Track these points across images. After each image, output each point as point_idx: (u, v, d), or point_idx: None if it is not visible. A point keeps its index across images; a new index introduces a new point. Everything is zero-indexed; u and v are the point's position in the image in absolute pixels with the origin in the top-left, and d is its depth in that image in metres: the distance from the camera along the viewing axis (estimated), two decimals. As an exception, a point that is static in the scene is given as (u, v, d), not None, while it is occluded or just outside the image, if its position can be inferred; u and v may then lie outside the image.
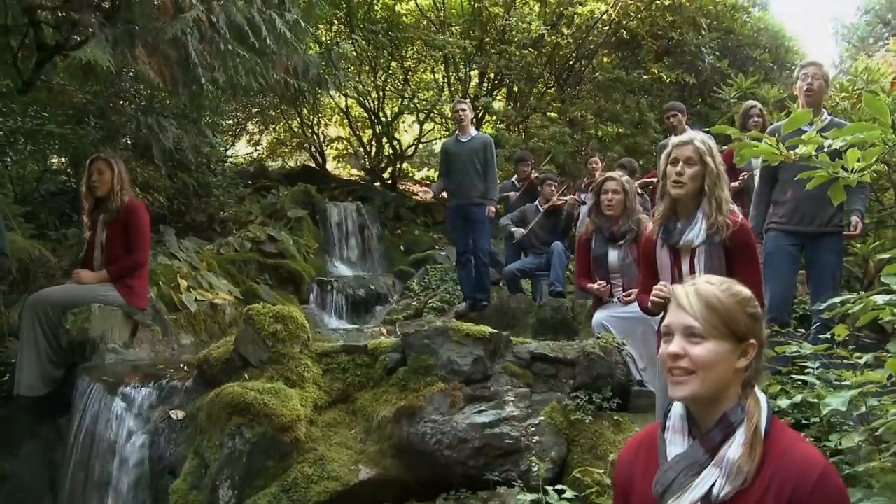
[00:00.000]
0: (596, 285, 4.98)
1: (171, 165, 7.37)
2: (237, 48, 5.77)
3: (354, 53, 14.36)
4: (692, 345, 1.78)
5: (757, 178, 5.33)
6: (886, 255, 2.68)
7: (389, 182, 15.03)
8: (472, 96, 13.71)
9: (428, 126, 15.32)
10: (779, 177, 4.93)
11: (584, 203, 9.13)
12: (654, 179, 7.99)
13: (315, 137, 15.47)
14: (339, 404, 4.19)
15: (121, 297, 5.13)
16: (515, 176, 9.38)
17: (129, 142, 7.06)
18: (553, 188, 7.99)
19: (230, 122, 14.51)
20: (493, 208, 7.98)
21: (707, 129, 6.75)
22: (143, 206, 5.32)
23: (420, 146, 16.33)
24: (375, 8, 13.68)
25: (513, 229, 8.08)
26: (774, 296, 4.88)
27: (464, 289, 8.35)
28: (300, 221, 10.99)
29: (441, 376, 4.03)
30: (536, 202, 8.26)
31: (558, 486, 3.31)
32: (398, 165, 15.57)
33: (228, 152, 15.22)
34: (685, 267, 3.38)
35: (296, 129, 14.99)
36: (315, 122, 15.16)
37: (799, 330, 5.68)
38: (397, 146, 15.39)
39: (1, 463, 5.25)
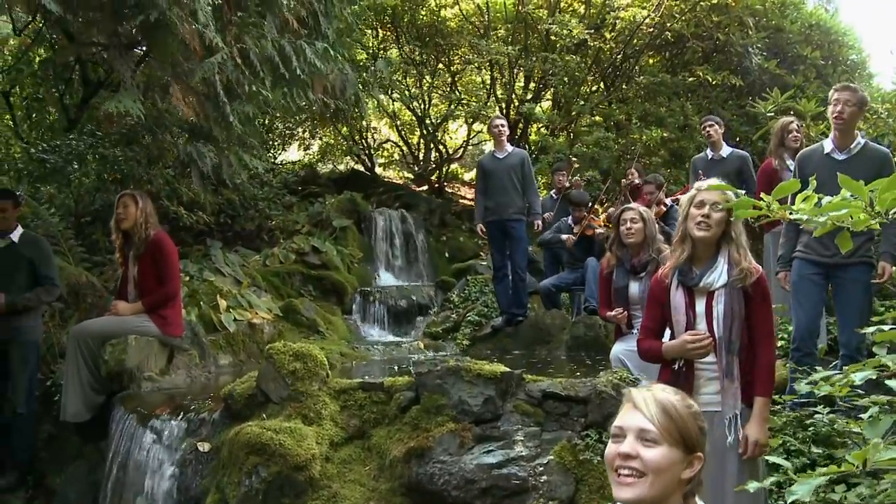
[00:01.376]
0: (613, 312, 5.02)
1: (213, 184, 7.62)
2: (265, 81, 5.95)
3: (400, 58, 14.57)
4: (645, 447, 1.82)
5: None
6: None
7: (437, 185, 15.16)
8: (517, 101, 13.76)
9: (477, 127, 15.38)
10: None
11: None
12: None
13: (363, 142, 15.69)
14: (355, 440, 4.34)
15: (156, 328, 5.39)
16: (553, 189, 9.41)
17: (172, 162, 7.32)
18: (582, 215, 7.94)
19: (280, 127, 14.89)
20: (539, 222, 8.07)
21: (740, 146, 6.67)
22: (168, 239, 5.57)
23: (470, 147, 16.45)
24: (420, 13, 13.79)
25: (563, 236, 8.03)
26: (799, 326, 4.83)
27: (500, 303, 8.45)
28: (345, 231, 11.20)
29: (452, 416, 4.14)
30: (570, 218, 8.28)
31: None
32: (446, 168, 15.69)
33: (280, 157, 15.62)
34: (700, 308, 3.37)
35: (344, 134, 15.23)
36: (363, 126, 15.37)
37: (827, 357, 5.63)
38: (444, 149, 15.51)
39: (52, 478, 5.61)
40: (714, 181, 3.38)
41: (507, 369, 4.36)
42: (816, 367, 4.84)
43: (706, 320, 3.30)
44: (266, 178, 11.31)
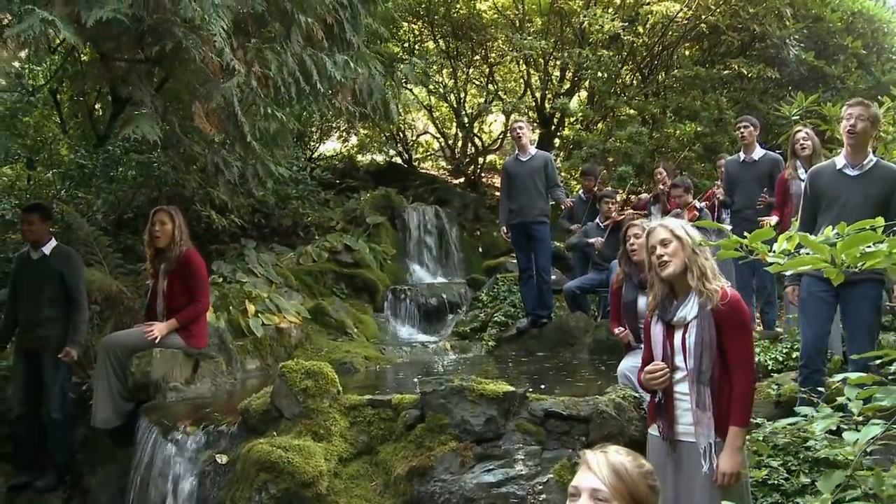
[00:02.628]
0: (617, 331, 5.11)
1: (242, 191, 7.84)
2: (288, 95, 6.11)
3: (436, 51, 14.64)
4: None
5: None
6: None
7: (473, 178, 15.24)
8: (552, 95, 13.73)
9: (515, 117, 15.36)
10: (818, 219, 4.85)
11: (648, 214, 9.13)
12: (714, 199, 7.89)
13: (400, 134, 15.82)
14: (363, 456, 4.50)
15: (181, 341, 5.63)
16: (582, 190, 9.44)
17: (202, 167, 7.54)
18: (610, 205, 8.02)
19: (318, 120, 15.07)
20: (568, 200, 8.38)
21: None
22: (197, 256, 5.77)
23: (508, 139, 16.45)
24: (456, 6, 13.81)
25: (592, 239, 8.07)
26: (806, 343, 4.84)
27: (526, 305, 8.55)
28: (378, 227, 11.37)
29: (454, 435, 4.28)
30: (597, 219, 8.32)
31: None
32: (483, 160, 15.75)
33: (320, 149, 15.83)
34: (676, 341, 3.45)
35: (382, 127, 15.37)
36: (399, 120, 15.48)
37: (844, 367, 5.62)
38: (480, 142, 15.56)
39: (88, 478, 5.91)
40: (653, 222, 3.48)
41: (511, 388, 4.47)
42: (824, 382, 4.89)
43: (682, 352, 3.37)
44: (301, 175, 11.51)
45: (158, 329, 5.54)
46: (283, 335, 7.36)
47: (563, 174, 12.38)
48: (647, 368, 3.45)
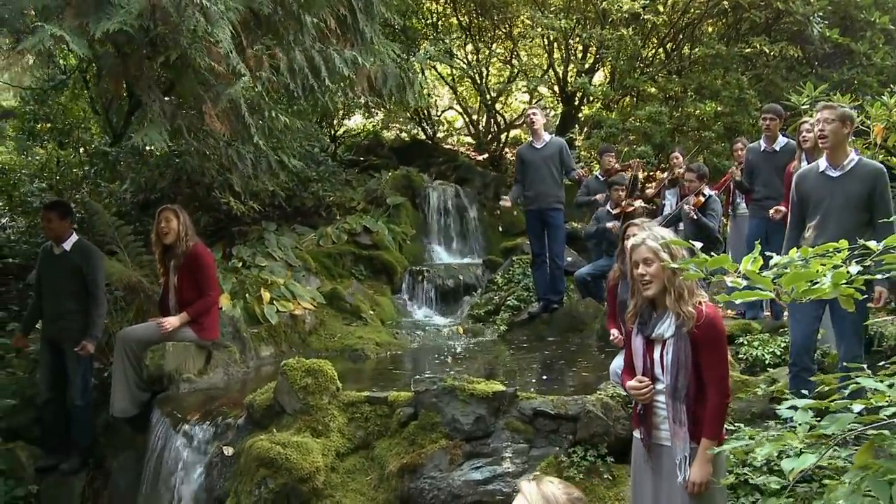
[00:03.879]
0: (612, 335, 5.23)
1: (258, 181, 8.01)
2: (297, 91, 6.26)
3: (458, 28, 14.64)
4: None
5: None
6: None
7: (497, 154, 15.28)
8: (573, 73, 13.69)
9: (542, 91, 15.33)
10: (806, 221, 4.92)
11: (662, 198, 9.16)
12: (731, 182, 7.91)
13: (424, 111, 15.88)
14: (360, 450, 4.73)
15: (193, 334, 5.88)
16: (599, 169, 9.46)
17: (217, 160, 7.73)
18: (620, 192, 8.05)
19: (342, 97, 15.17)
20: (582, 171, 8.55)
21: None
22: (205, 250, 6.01)
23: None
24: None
25: (608, 224, 8.07)
26: (794, 342, 4.94)
27: (538, 289, 8.68)
28: (398, 208, 11.52)
29: (445, 433, 4.48)
30: (608, 205, 8.37)
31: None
32: (506, 136, 15.78)
33: (346, 124, 15.95)
34: (655, 355, 3.58)
35: (403, 104, 15.43)
36: (422, 96, 15.53)
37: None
38: (503, 118, 15.58)
39: (110, 461, 6.22)
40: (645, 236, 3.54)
41: (502, 388, 4.64)
42: (811, 380, 4.98)
43: (660, 366, 3.50)
44: (322, 157, 11.68)
45: (170, 323, 5.77)
46: (298, 322, 7.59)
47: (583, 153, 12.38)
48: (630, 384, 3.57)
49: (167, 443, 5.12)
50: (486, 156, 15.43)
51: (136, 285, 6.61)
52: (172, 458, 5.05)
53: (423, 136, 16.13)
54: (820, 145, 4.76)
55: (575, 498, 2.24)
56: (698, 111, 11.46)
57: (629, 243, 5.04)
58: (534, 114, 8.38)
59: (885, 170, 4.73)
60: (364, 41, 7.42)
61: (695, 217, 7.12)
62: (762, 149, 7.27)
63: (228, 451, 4.92)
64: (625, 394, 4.73)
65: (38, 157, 10.92)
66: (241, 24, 5.69)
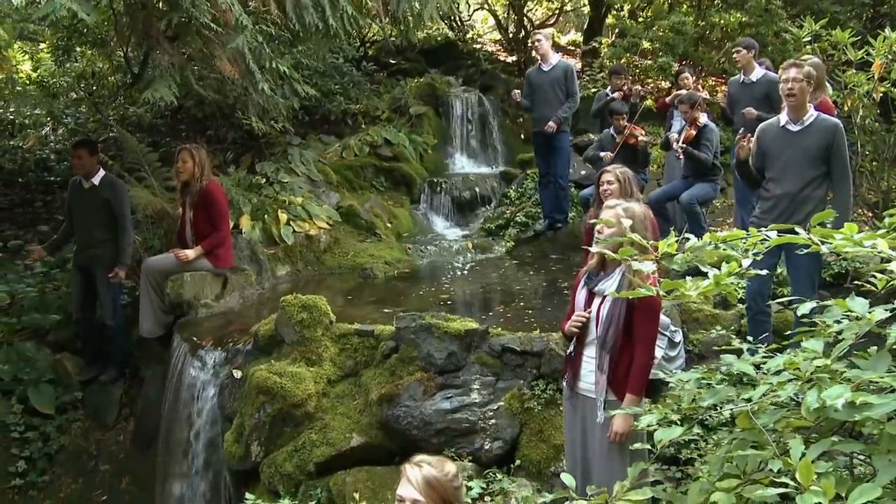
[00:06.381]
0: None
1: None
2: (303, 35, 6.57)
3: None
4: None
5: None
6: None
7: (525, 58, 15.27)
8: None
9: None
10: (766, 173, 5.20)
11: (669, 118, 9.29)
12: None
13: (455, 11, 15.82)
14: (349, 377, 5.33)
15: (209, 264, 6.47)
16: (609, 88, 9.57)
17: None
18: (620, 120, 8.17)
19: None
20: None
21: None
22: (218, 188, 6.51)
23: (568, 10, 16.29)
24: None
25: (602, 154, 8.28)
26: (749, 289, 5.32)
27: (544, 208, 9.07)
28: (421, 118, 11.79)
29: (421, 367, 5.04)
30: (612, 130, 8.55)
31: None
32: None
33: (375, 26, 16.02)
34: (593, 308, 4.04)
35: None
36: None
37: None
38: (531, 21, 15.47)
39: (144, 370, 6.97)
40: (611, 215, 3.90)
41: (474, 326, 5.15)
42: (769, 322, 5.38)
43: (595, 319, 3.96)
44: (347, 67, 11.90)
45: (186, 255, 6.36)
46: (313, 241, 8.13)
47: (605, 61, 12.37)
48: (573, 317, 4.04)
49: (184, 366, 5.79)
50: (515, 58, 15.44)
51: (161, 212, 7.18)
52: (190, 378, 5.74)
53: (454, 37, 16.14)
54: (787, 102, 4.96)
55: (451, 476, 2.71)
56: (723, 21, 11.34)
57: (611, 186, 5.42)
58: (539, 39, 8.54)
59: (842, 126, 4.96)
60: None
61: (679, 156, 7.32)
62: (741, 80, 7.44)
63: (237, 374, 5.58)
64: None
65: (73, 71, 11.41)
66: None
